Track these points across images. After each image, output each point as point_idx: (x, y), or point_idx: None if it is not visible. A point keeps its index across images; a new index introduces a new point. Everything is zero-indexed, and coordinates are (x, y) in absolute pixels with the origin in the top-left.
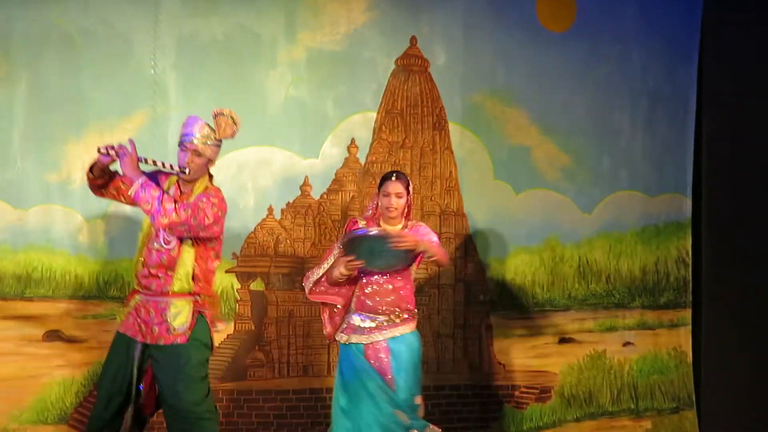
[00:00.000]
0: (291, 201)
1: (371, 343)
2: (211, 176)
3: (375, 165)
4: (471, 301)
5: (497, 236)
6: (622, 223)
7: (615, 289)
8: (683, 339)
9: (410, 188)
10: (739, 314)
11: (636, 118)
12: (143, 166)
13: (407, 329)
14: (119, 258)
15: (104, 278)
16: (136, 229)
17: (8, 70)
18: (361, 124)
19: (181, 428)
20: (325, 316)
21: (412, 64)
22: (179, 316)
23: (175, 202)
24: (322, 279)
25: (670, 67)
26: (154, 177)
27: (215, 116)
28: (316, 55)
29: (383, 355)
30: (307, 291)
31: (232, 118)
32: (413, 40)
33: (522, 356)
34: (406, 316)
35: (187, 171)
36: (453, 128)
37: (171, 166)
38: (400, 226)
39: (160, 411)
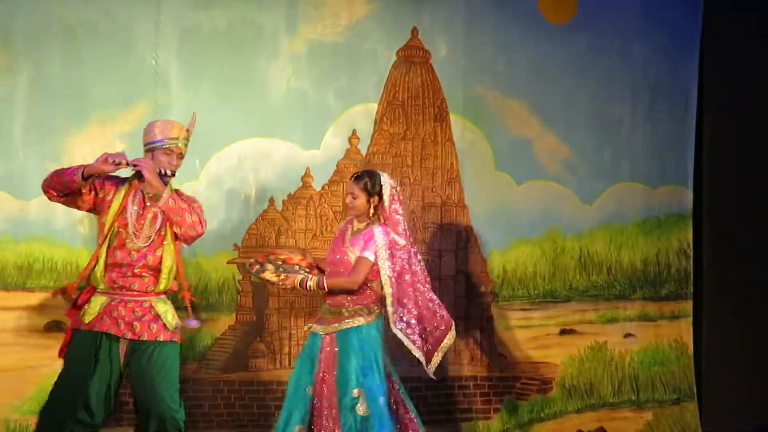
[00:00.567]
0: (292, 192)
1: (327, 333)
2: None
3: (376, 156)
4: (472, 293)
5: (498, 228)
6: (624, 215)
7: (616, 280)
8: (684, 330)
9: (373, 190)
10: (740, 306)
11: (637, 110)
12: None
13: (357, 322)
14: None
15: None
16: None
17: (10, 62)
18: (363, 116)
19: None
20: None
21: (413, 56)
22: (168, 314)
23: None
24: None
25: (671, 59)
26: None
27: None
28: (317, 47)
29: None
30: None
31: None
32: (414, 32)
33: (523, 347)
34: (356, 308)
35: (174, 174)
36: (454, 120)
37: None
38: (363, 225)
39: None
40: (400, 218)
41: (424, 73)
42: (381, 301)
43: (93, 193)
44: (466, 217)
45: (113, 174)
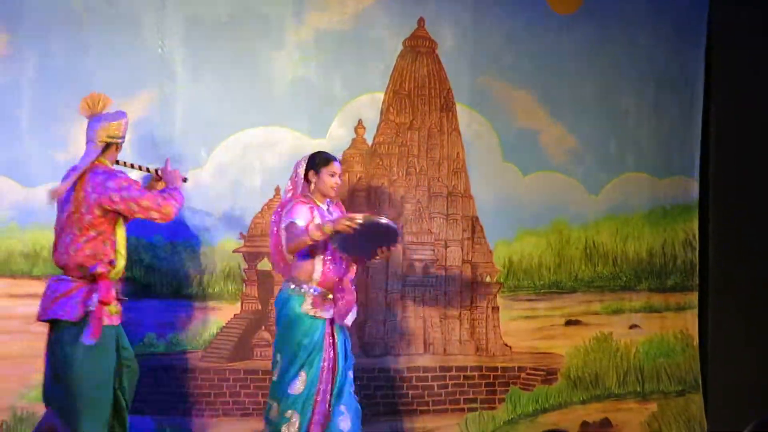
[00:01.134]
0: None
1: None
2: None
3: (382, 146)
4: (478, 283)
5: (504, 218)
6: (629, 206)
7: (622, 271)
8: (690, 322)
9: None
10: (745, 297)
11: (643, 101)
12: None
13: None
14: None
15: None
16: None
17: (15, 49)
18: (369, 105)
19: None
20: None
21: (419, 46)
22: None
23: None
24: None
25: (678, 49)
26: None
27: None
28: (323, 36)
29: None
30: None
31: None
32: (421, 22)
33: (528, 338)
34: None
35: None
36: (461, 110)
37: (147, 168)
38: (325, 204)
39: None
40: None
41: (430, 63)
42: None
43: None
44: (472, 207)
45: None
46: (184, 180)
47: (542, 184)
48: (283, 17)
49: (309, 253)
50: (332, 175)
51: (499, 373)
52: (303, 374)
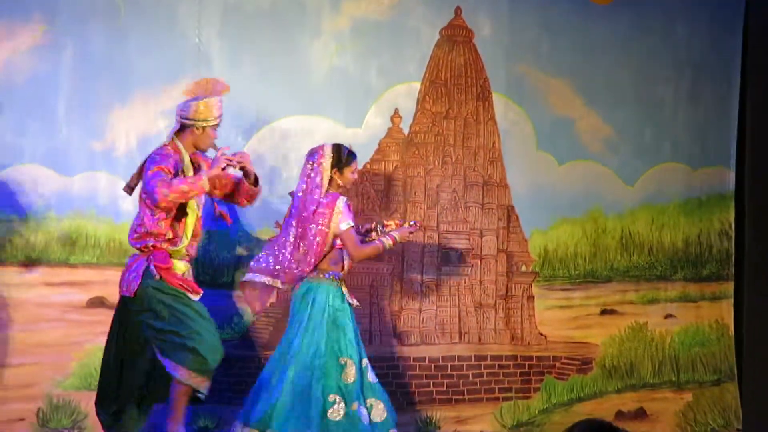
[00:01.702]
0: None
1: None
2: None
3: (418, 135)
4: (513, 272)
5: (540, 207)
6: (665, 195)
7: (657, 261)
8: (725, 311)
9: None
10: None
11: (679, 90)
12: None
13: None
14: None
15: None
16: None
17: (54, 39)
18: (405, 94)
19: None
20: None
21: (456, 35)
22: None
23: None
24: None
25: (714, 38)
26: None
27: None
28: (360, 25)
29: None
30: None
31: None
32: (458, 11)
33: (563, 327)
34: None
35: None
36: (497, 99)
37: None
38: None
39: None
40: None
41: (467, 52)
42: None
43: None
44: (508, 196)
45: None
46: (224, 168)
47: (578, 173)
48: (319, 7)
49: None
50: (353, 172)
51: (534, 362)
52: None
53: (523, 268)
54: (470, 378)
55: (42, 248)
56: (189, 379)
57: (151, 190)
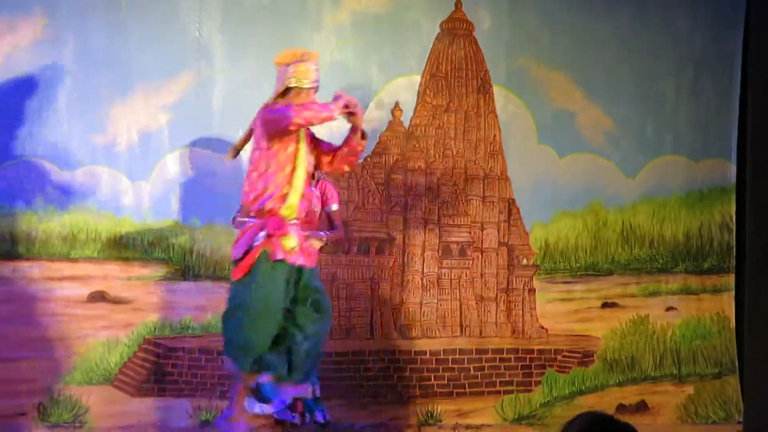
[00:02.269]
0: None
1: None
2: None
3: (419, 128)
4: (514, 265)
5: (540, 200)
6: (666, 188)
7: (658, 253)
8: (726, 304)
9: None
10: None
11: (681, 83)
12: None
13: None
14: (163, 220)
15: (149, 240)
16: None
17: (55, 33)
18: (406, 88)
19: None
20: None
21: (456, 28)
22: None
23: None
24: None
25: (716, 32)
26: None
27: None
28: (360, 19)
29: None
30: None
31: None
32: (458, 4)
33: (565, 320)
34: None
35: None
36: (497, 92)
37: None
38: None
39: None
40: None
41: (467, 46)
42: None
43: None
44: (509, 189)
45: None
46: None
47: (579, 166)
48: (320, 1)
49: None
50: None
51: (536, 355)
52: None
53: (524, 261)
54: (471, 371)
55: (43, 242)
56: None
57: (283, 111)
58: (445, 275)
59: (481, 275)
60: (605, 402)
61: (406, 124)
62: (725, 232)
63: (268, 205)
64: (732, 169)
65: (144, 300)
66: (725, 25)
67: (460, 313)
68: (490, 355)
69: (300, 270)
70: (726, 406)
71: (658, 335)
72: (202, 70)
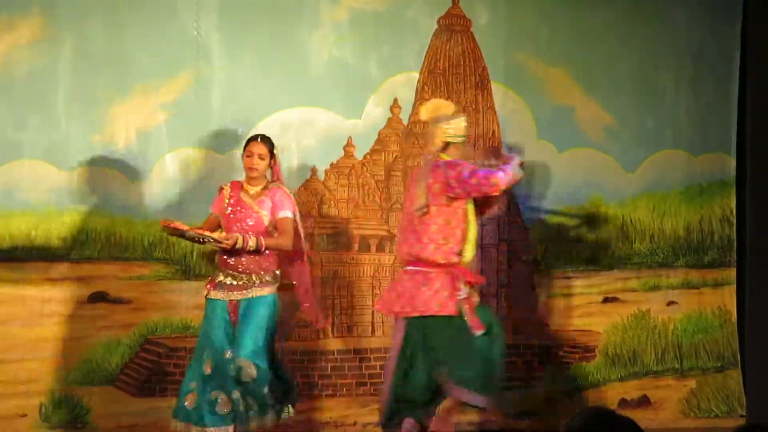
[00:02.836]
0: (334, 161)
1: (230, 300)
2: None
3: (418, 125)
4: (514, 261)
5: (540, 195)
6: (666, 183)
7: (659, 248)
8: (728, 298)
9: (274, 152)
10: None
11: (680, 77)
12: None
13: (265, 291)
14: (163, 219)
15: (149, 240)
16: (181, 192)
17: (53, 33)
18: (404, 85)
19: None
20: None
21: (454, 24)
22: None
23: None
24: None
25: (714, 25)
26: None
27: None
28: (359, 16)
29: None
30: None
31: None
32: (455, 0)
33: (566, 316)
34: (267, 278)
35: None
36: (495, 88)
37: None
38: (260, 187)
39: None
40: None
41: (465, 42)
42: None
43: None
44: None
45: None
46: (521, 164)
47: (578, 161)
48: None
49: None
50: (249, 156)
51: (537, 351)
52: None
53: (525, 257)
54: None
55: (42, 243)
56: None
57: (485, 177)
58: None
59: (482, 272)
60: (607, 397)
61: (405, 121)
62: (726, 226)
63: (453, 259)
64: (732, 162)
65: (144, 300)
66: (724, 18)
67: None
68: None
69: None
70: (728, 400)
71: (660, 330)
72: (201, 69)
